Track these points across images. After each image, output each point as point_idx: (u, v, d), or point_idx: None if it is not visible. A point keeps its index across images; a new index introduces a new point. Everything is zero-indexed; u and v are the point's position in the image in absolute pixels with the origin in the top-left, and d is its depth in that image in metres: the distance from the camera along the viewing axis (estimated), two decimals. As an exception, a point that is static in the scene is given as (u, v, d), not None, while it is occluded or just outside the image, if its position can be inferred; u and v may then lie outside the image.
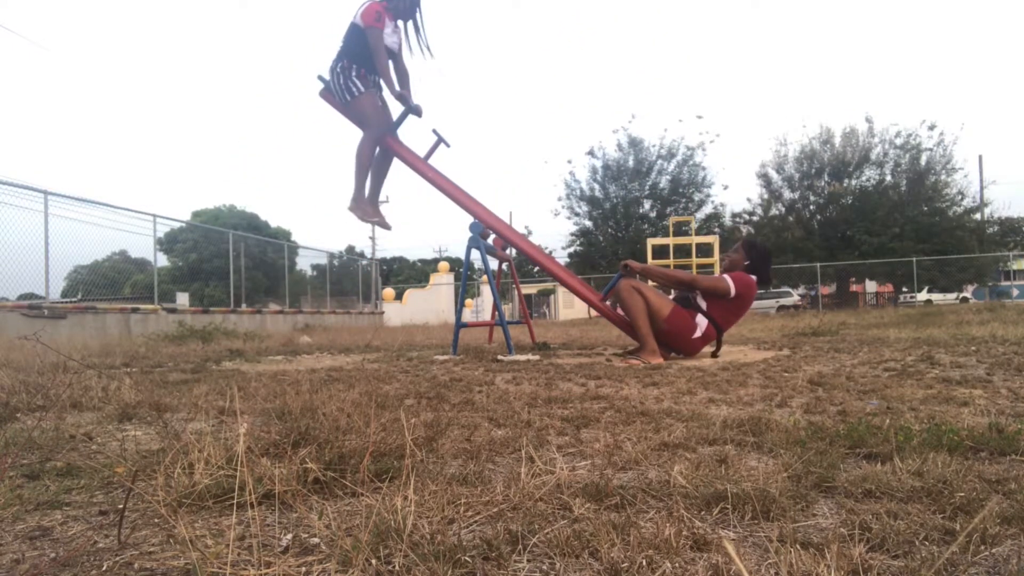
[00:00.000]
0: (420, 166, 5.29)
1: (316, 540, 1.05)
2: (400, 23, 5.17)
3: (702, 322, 4.56)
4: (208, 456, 1.35)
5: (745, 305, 4.62)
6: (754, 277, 4.60)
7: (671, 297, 4.92)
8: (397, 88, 5.01)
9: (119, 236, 12.51)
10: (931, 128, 24.96)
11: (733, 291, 4.48)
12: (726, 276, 4.55)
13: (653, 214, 27.33)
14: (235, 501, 1.18)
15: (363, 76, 5.00)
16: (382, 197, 5.82)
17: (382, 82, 4.98)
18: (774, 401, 2.43)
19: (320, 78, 5.28)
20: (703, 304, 4.59)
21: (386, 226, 5.84)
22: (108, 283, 13.99)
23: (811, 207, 27.05)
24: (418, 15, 5.21)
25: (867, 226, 24.39)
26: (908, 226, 23.94)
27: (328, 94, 5.24)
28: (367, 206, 5.38)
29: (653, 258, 12.94)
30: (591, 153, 27.29)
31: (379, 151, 5.38)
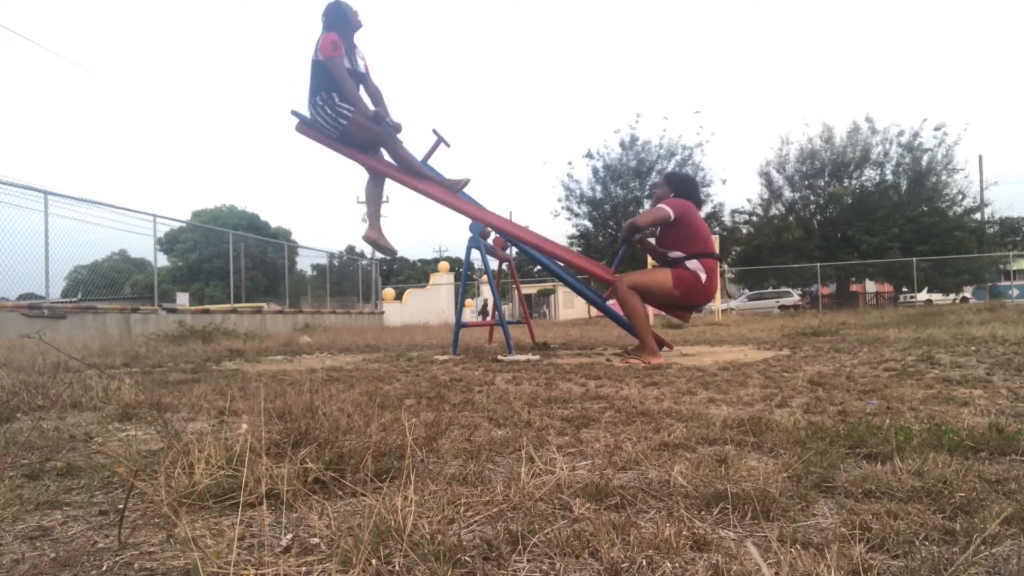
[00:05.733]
0: (409, 180, 5.14)
1: (316, 540, 1.05)
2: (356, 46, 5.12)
3: (696, 265, 4.59)
4: (208, 456, 1.35)
5: (695, 222, 4.66)
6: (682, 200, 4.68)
7: (657, 267, 4.93)
8: (371, 109, 4.98)
9: (119, 236, 12.50)
10: (936, 129, 24.93)
11: (672, 214, 4.54)
12: (660, 205, 4.62)
13: (653, 214, 27.26)
14: (238, 501, 1.18)
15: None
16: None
17: (356, 105, 4.91)
18: (774, 401, 2.43)
19: (295, 113, 5.20)
20: (680, 252, 4.62)
21: (392, 252, 5.81)
22: (108, 283, 13.99)
23: (811, 207, 27.03)
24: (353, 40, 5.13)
25: (867, 226, 24.38)
26: (908, 226, 23.93)
27: (308, 129, 5.16)
28: (379, 232, 5.41)
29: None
30: (589, 155, 27.20)
31: (368, 179, 5.37)
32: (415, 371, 4.02)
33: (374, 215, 5.49)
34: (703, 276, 4.58)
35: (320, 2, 5.01)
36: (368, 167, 5.25)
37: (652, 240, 4.96)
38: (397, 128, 5.25)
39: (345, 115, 4.90)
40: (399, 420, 1.89)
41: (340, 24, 4.95)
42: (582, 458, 1.57)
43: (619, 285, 4.62)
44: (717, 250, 4.91)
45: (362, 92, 5.12)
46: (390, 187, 5.35)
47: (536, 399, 2.57)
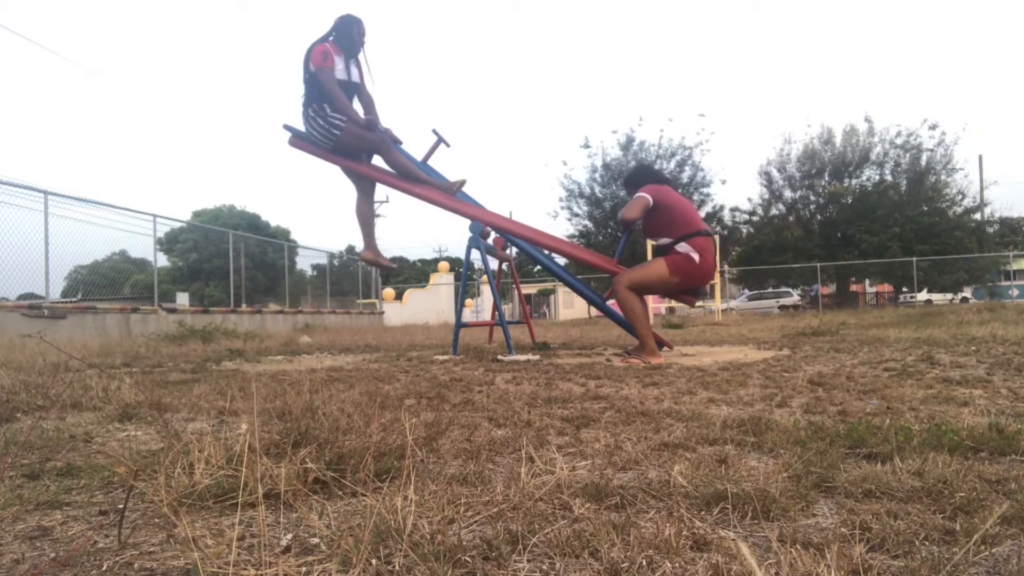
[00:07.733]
0: (406, 186, 5.11)
1: (316, 540, 1.05)
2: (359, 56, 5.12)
3: (685, 247, 4.59)
4: (208, 456, 1.35)
5: (675, 204, 4.70)
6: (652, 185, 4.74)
7: (652, 259, 4.96)
8: (363, 117, 4.99)
9: (119, 236, 12.48)
10: (932, 128, 24.94)
11: (651, 200, 4.59)
12: (637, 193, 4.68)
13: (653, 214, 27.21)
14: (237, 501, 1.18)
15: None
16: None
17: (348, 115, 4.90)
18: (774, 401, 2.42)
19: (287, 127, 5.19)
20: (667, 238, 4.65)
21: (390, 268, 5.89)
22: (108, 283, 13.99)
23: (811, 207, 27.03)
24: (362, 54, 5.15)
25: (867, 226, 24.37)
26: (908, 226, 23.92)
27: (301, 142, 5.15)
28: (376, 251, 5.47)
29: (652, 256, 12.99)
30: (587, 144, 27.19)
31: (357, 198, 5.37)
32: (415, 371, 4.02)
33: (369, 235, 5.51)
34: (695, 257, 4.56)
35: (314, 7, 4.99)
36: (364, 176, 5.24)
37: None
38: (396, 140, 5.25)
39: (338, 125, 4.90)
40: (399, 420, 1.89)
41: (344, 39, 4.96)
42: (582, 458, 1.57)
43: (618, 286, 4.63)
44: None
45: (356, 103, 5.11)
46: (389, 188, 5.34)
47: (536, 399, 2.57)
